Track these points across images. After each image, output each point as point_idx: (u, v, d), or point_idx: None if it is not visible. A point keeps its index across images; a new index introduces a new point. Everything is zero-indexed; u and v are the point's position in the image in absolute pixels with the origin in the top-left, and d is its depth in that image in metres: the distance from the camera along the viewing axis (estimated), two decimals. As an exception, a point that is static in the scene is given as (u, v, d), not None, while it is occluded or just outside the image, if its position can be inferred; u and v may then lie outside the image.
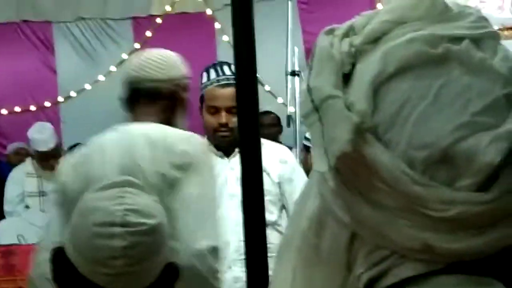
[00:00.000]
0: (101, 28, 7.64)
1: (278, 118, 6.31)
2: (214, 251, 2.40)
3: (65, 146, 6.80)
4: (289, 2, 5.35)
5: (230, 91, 3.28)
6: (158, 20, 7.47)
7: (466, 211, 0.81)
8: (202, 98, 3.56)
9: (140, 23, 7.60)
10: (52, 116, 7.38)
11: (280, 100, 6.63)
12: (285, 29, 5.21)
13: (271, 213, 3.40)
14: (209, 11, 7.39)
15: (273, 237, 3.01)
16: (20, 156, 6.76)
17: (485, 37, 0.87)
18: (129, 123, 2.69)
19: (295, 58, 5.00)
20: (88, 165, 2.53)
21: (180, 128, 2.64)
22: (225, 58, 3.22)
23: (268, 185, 3.31)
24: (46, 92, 7.59)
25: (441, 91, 0.83)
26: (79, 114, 7.43)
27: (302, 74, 5.00)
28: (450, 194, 0.81)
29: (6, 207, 5.89)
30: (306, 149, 4.32)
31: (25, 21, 7.61)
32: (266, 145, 3.34)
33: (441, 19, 0.88)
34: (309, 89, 0.87)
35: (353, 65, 0.88)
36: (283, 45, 5.10)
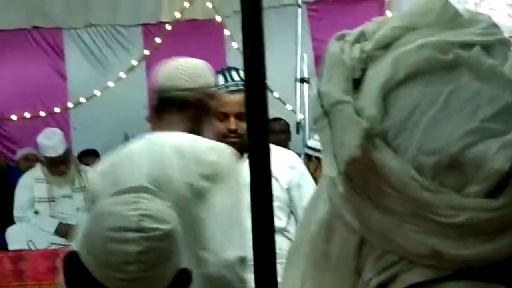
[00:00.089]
0: (111, 34, 7.66)
1: (287, 125, 6.32)
2: (243, 261, 2.41)
3: (75, 152, 6.82)
4: (299, 9, 5.36)
5: (239, 97, 3.29)
6: (168, 27, 7.49)
7: (475, 217, 0.81)
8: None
9: (150, 29, 7.62)
10: (62, 122, 7.40)
11: (289, 107, 6.63)
12: (294, 36, 5.22)
13: (279, 219, 3.40)
14: (218, 18, 7.40)
15: (281, 244, 3.01)
16: (30, 162, 6.78)
17: (495, 43, 0.87)
18: (156, 131, 2.69)
19: (304, 65, 5.01)
20: (118, 174, 2.55)
21: (207, 137, 2.65)
22: (235, 65, 3.23)
23: (277, 191, 3.31)
24: (56, 98, 7.61)
25: (451, 97, 0.83)
26: (88, 120, 7.45)
27: (311, 81, 5.00)
28: (459, 200, 0.81)
29: (16, 213, 5.90)
30: (308, 157, 4.32)
31: (35, 27, 7.63)
32: (275, 150, 3.34)
33: (452, 26, 0.88)
34: (319, 94, 0.87)
35: (364, 71, 0.88)
36: (293, 52, 5.11)
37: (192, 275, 1.74)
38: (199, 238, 2.48)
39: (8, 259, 5.36)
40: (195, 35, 7.35)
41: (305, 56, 5.06)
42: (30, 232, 5.71)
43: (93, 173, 2.70)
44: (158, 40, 7.49)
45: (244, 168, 3.41)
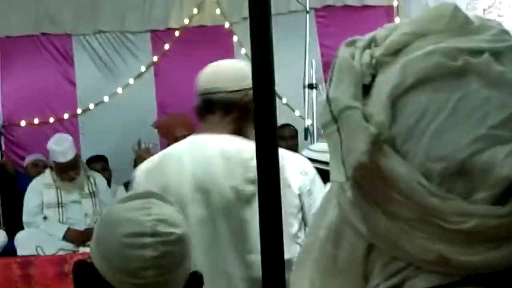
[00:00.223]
0: (119, 41, 7.68)
1: (296, 131, 6.32)
2: (289, 264, 2.43)
3: (84, 158, 6.84)
4: (307, 16, 5.37)
5: None
6: (176, 33, 7.51)
7: (482, 224, 0.81)
8: None
9: (158, 36, 7.64)
10: (71, 128, 7.42)
11: (297, 113, 6.63)
12: (302, 42, 5.23)
13: (291, 226, 3.41)
14: (227, 24, 7.41)
15: (292, 250, 3.01)
16: (38, 168, 6.80)
17: (505, 50, 0.87)
18: (199, 133, 2.70)
19: (312, 71, 5.02)
20: (164, 174, 2.58)
21: (251, 139, 2.67)
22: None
23: (289, 197, 3.31)
24: (65, 104, 7.63)
25: (459, 104, 0.83)
26: (97, 126, 7.47)
27: (320, 87, 5.00)
28: (466, 207, 0.81)
29: (25, 218, 5.92)
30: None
31: (44, 34, 7.66)
32: (286, 156, 3.35)
33: (462, 32, 0.88)
34: (328, 100, 0.87)
35: (374, 77, 0.88)
36: (301, 58, 5.12)
37: (203, 278, 1.75)
38: (246, 242, 2.50)
39: (17, 265, 5.38)
40: (204, 41, 7.37)
41: (313, 62, 5.07)
42: (38, 237, 5.72)
43: (138, 172, 2.70)
44: (166, 46, 7.51)
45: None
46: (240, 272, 2.56)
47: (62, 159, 5.87)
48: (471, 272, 0.83)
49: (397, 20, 6.74)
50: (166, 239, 1.63)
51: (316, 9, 7.15)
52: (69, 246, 5.74)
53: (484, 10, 6.48)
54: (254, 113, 1.90)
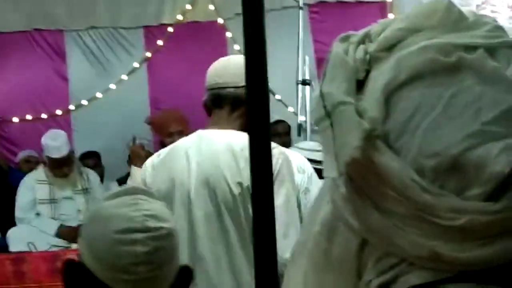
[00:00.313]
0: (112, 36, 7.66)
1: (289, 127, 6.33)
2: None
3: (76, 154, 6.82)
4: (300, 12, 5.36)
5: None
6: (170, 29, 7.49)
7: (475, 220, 0.81)
8: None
9: (151, 32, 7.62)
10: (63, 124, 7.40)
11: (290, 109, 6.63)
12: (296, 38, 5.22)
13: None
14: (220, 20, 7.40)
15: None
16: (31, 164, 6.79)
17: (500, 46, 0.87)
18: (207, 128, 2.71)
19: (306, 67, 5.01)
20: (172, 169, 2.61)
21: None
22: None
23: None
24: (57, 100, 7.61)
25: (453, 99, 0.83)
26: (90, 122, 7.45)
27: (313, 83, 5.00)
28: (459, 203, 0.81)
29: (18, 214, 5.90)
30: None
31: (37, 29, 7.64)
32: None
33: (456, 28, 0.88)
34: (322, 95, 0.87)
35: (368, 72, 0.88)
36: (294, 54, 5.11)
37: (192, 272, 1.76)
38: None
39: (9, 261, 5.37)
40: (197, 37, 7.36)
41: (307, 58, 5.06)
42: (31, 234, 5.71)
43: (145, 166, 2.72)
44: (160, 42, 7.50)
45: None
46: (247, 267, 2.57)
47: (57, 154, 5.86)
48: (463, 268, 0.83)
49: (391, 16, 6.74)
50: (157, 234, 1.63)
51: (309, 5, 7.14)
52: (62, 242, 5.72)
53: (477, 6, 6.48)
54: (248, 110, 1.89)
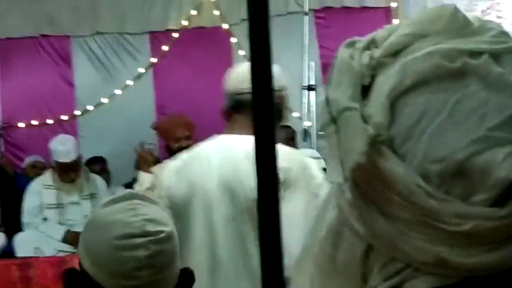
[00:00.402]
0: (118, 42, 7.68)
1: (294, 132, 6.33)
2: None
3: (83, 159, 6.84)
4: (306, 17, 5.37)
5: None
6: (175, 35, 7.50)
7: (480, 226, 0.81)
8: None
9: (157, 37, 7.63)
10: (69, 130, 7.41)
11: (296, 114, 6.64)
12: (301, 44, 5.23)
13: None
14: (225, 26, 7.41)
15: None
16: (37, 169, 6.80)
17: (505, 52, 0.87)
18: (227, 133, 2.72)
19: (311, 72, 5.01)
20: (192, 173, 2.63)
21: (278, 140, 2.67)
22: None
23: None
24: (63, 105, 7.63)
25: (458, 105, 0.83)
26: (96, 127, 7.47)
27: (318, 88, 5.01)
28: (464, 209, 0.81)
29: (24, 218, 5.91)
30: None
31: (43, 35, 7.66)
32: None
33: (462, 34, 0.88)
34: (327, 101, 0.87)
35: (373, 78, 0.88)
36: (300, 59, 5.12)
37: (194, 274, 1.76)
38: None
39: (16, 266, 5.37)
40: (202, 42, 7.37)
41: (312, 63, 5.07)
42: (37, 239, 5.71)
43: (167, 169, 2.73)
44: (165, 48, 7.51)
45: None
46: None
47: (65, 159, 5.87)
48: (469, 274, 0.83)
49: (396, 21, 6.75)
50: (157, 237, 1.64)
51: (315, 10, 7.15)
52: (68, 247, 5.73)
53: (482, 11, 6.48)
54: (253, 115, 1.90)
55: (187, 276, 1.74)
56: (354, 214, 0.87)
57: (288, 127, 6.38)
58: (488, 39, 0.87)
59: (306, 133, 5.00)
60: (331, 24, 7.28)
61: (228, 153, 2.61)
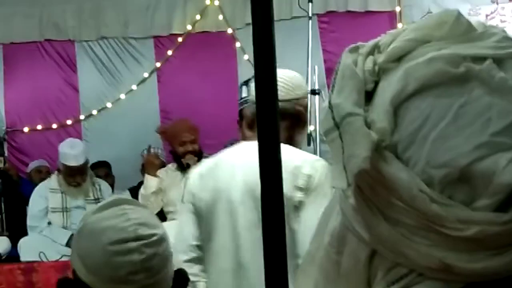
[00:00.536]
0: (123, 47, 7.69)
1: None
2: None
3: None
4: (310, 22, 5.37)
5: None
6: (179, 39, 7.52)
7: (484, 231, 0.81)
8: (241, 113, 3.60)
9: (161, 42, 7.64)
10: (74, 134, 7.43)
11: (300, 118, 6.63)
12: (305, 48, 5.23)
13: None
14: (230, 30, 7.42)
15: None
16: (42, 174, 6.81)
17: (508, 57, 0.87)
18: (251, 140, 2.72)
19: (315, 76, 5.01)
20: (217, 178, 2.65)
21: (300, 148, 2.68)
22: (246, 77, 3.24)
23: None
24: (68, 110, 7.65)
25: (461, 110, 0.83)
26: (100, 132, 7.48)
27: (322, 92, 5.00)
28: (468, 214, 0.81)
29: (30, 222, 5.92)
30: None
31: (47, 40, 7.68)
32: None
33: (465, 39, 0.88)
34: (330, 106, 0.87)
35: (376, 83, 0.88)
36: (304, 64, 5.11)
37: (187, 275, 1.77)
38: (294, 247, 2.52)
39: (20, 271, 5.38)
40: (207, 47, 7.38)
41: (316, 68, 5.07)
42: (41, 243, 5.72)
43: (192, 174, 2.77)
44: (169, 52, 7.52)
45: None
46: (289, 276, 2.60)
47: (74, 162, 5.87)
48: (473, 279, 0.83)
49: (399, 26, 6.74)
50: (150, 241, 1.64)
51: (319, 15, 7.15)
52: (72, 252, 5.73)
53: (486, 16, 6.48)
54: (257, 120, 1.90)
55: (181, 278, 1.75)
56: (358, 219, 0.87)
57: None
58: (491, 44, 0.87)
59: (310, 137, 5.00)
60: (335, 28, 7.28)
61: (253, 160, 2.63)
